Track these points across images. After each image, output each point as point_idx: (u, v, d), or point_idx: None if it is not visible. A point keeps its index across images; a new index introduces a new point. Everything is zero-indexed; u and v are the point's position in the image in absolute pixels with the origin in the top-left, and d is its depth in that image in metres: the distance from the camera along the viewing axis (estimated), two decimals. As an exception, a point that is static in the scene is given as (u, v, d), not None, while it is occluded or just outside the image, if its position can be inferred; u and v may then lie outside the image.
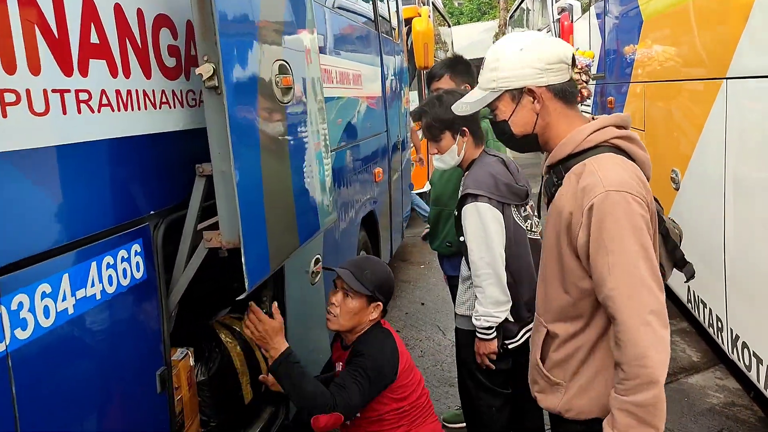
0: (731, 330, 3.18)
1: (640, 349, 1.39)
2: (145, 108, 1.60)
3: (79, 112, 1.36)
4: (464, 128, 2.46)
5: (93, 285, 1.39)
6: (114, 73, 1.48)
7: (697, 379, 3.60)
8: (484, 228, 2.32)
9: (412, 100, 6.99)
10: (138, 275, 1.58)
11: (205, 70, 1.56)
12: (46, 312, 1.25)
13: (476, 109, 1.68)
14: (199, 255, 1.73)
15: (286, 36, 1.95)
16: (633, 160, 1.56)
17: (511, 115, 1.61)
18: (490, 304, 2.32)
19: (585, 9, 7.64)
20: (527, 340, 2.44)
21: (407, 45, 6.73)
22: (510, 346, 2.41)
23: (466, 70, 3.14)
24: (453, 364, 3.85)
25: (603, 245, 1.43)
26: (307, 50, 2.10)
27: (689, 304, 3.91)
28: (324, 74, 2.82)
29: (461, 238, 2.43)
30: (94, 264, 1.40)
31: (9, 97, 1.17)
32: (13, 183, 1.20)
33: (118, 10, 1.50)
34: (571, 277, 1.55)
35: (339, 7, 3.49)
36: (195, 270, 1.75)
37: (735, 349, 3.14)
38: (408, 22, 6.77)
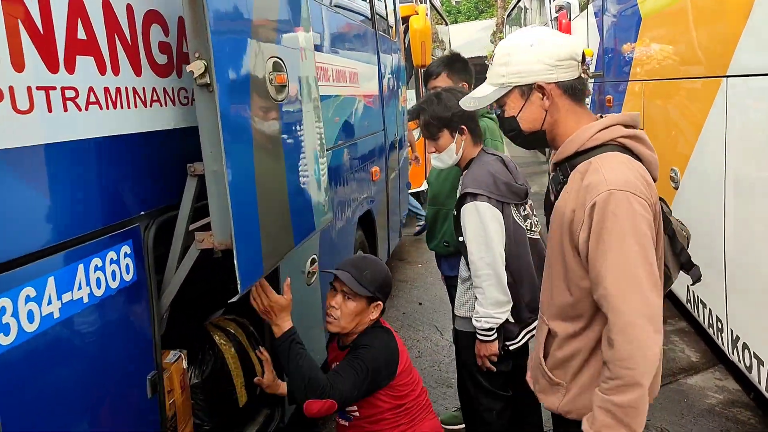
0: (731, 331, 3.16)
1: (628, 351, 1.39)
2: (135, 106, 1.56)
3: (66, 110, 1.32)
4: (462, 126, 2.43)
5: (80, 288, 1.35)
6: (102, 70, 1.44)
7: (696, 379, 3.58)
8: (483, 227, 2.29)
9: (409, 98, 6.96)
10: (128, 278, 1.54)
11: (196, 67, 1.52)
12: (30, 316, 1.21)
13: (485, 104, 1.68)
14: (191, 256, 1.70)
15: (280, 33, 1.92)
16: (640, 159, 1.54)
17: (519, 111, 1.61)
18: (490, 305, 2.29)
19: (583, 7, 7.62)
20: (528, 341, 2.42)
21: (404, 43, 6.71)
22: (511, 348, 2.38)
23: (463, 68, 3.11)
24: (450, 364, 3.84)
25: (602, 244, 1.43)
26: (302, 47, 2.06)
27: (688, 304, 3.89)
28: (320, 72, 2.79)
29: (460, 238, 2.40)
30: (81, 266, 1.36)
31: (-9, 95, 1.13)
32: (-5, 183, 1.16)
33: (106, 5, 1.46)
34: (573, 277, 1.54)
35: (335, 5, 3.45)
36: (187, 272, 1.71)
37: (735, 350, 3.11)
38: (405, 20, 6.75)
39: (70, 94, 1.33)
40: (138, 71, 1.58)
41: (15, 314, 1.17)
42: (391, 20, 5.55)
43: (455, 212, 2.43)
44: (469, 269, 2.38)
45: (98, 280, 1.42)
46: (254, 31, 1.73)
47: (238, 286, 1.57)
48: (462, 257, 2.47)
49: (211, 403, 2.24)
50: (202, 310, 2.54)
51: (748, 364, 2.97)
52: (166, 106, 1.69)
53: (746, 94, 2.96)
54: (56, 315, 1.28)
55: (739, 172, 3.05)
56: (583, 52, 1.58)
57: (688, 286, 3.79)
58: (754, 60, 2.86)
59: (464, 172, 2.47)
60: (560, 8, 8.44)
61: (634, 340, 1.39)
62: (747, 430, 3.07)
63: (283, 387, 2.22)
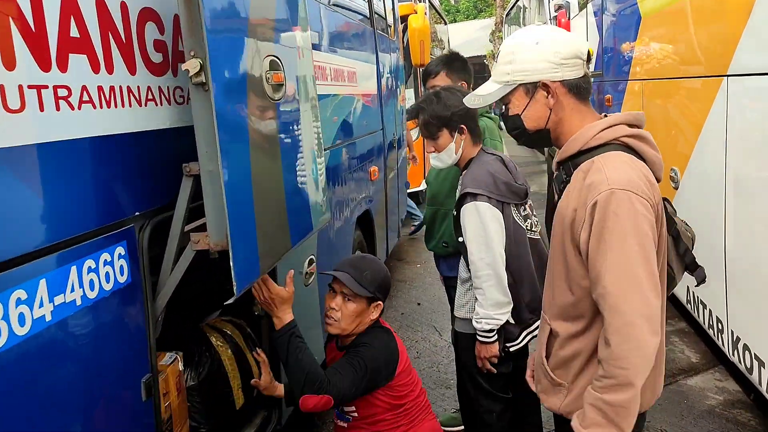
0: (732, 332, 3.14)
1: (623, 351, 1.39)
2: (130, 105, 1.54)
3: (58, 109, 1.30)
4: (462, 126, 2.41)
5: (73, 290, 1.33)
6: (96, 69, 1.42)
7: (696, 380, 3.56)
8: (483, 228, 2.27)
9: (408, 97, 6.94)
10: (122, 279, 1.52)
11: (191, 65, 1.50)
12: (22, 320, 1.19)
13: (489, 102, 1.67)
14: (187, 257, 1.68)
15: (277, 31, 1.89)
16: (643, 159, 1.53)
17: (524, 109, 1.60)
18: (490, 306, 2.27)
19: (582, 6, 7.60)
20: (528, 342, 2.40)
21: (403, 42, 6.69)
22: (511, 349, 2.36)
23: (462, 67, 3.09)
24: (449, 365, 3.82)
25: (603, 243, 1.42)
26: (299, 46, 2.04)
27: (689, 305, 3.87)
28: (318, 71, 2.77)
29: (460, 239, 2.38)
30: (74, 268, 1.34)
31: (-20, 94, 1.11)
32: (-15, 184, 1.14)
33: (100, 3, 1.44)
34: (574, 276, 1.54)
35: (334, 3, 3.43)
36: (182, 273, 1.69)
37: (736, 351, 3.09)
38: (404, 19, 6.73)
39: (62, 92, 1.31)
40: (132, 70, 1.55)
41: (5, 317, 1.15)
42: (390, 19, 5.53)
43: (455, 212, 2.41)
44: (468, 270, 2.36)
45: (91, 282, 1.40)
46: (251, 29, 1.71)
47: (234, 288, 1.55)
48: (461, 258, 2.45)
49: (208, 406, 2.22)
50: (198, 312, 2.52)
51: (748, 365, 2.95)
52: (161, 105, 1.67)
53: (747, 94, 2.94)
54: (48, 318, 1.26)
55: (739, 172, 3.03)
56: (588, 51, 1.57)
57: (688, 287, 3.77)
58: (754, 59, 2.84)
59: (464, 172, 2.45)
60: (559, 7, 8.41)
61: (630, 340, 1.38)
62: (747, 431, 3.06)
63: (280, 389, 2.20)
